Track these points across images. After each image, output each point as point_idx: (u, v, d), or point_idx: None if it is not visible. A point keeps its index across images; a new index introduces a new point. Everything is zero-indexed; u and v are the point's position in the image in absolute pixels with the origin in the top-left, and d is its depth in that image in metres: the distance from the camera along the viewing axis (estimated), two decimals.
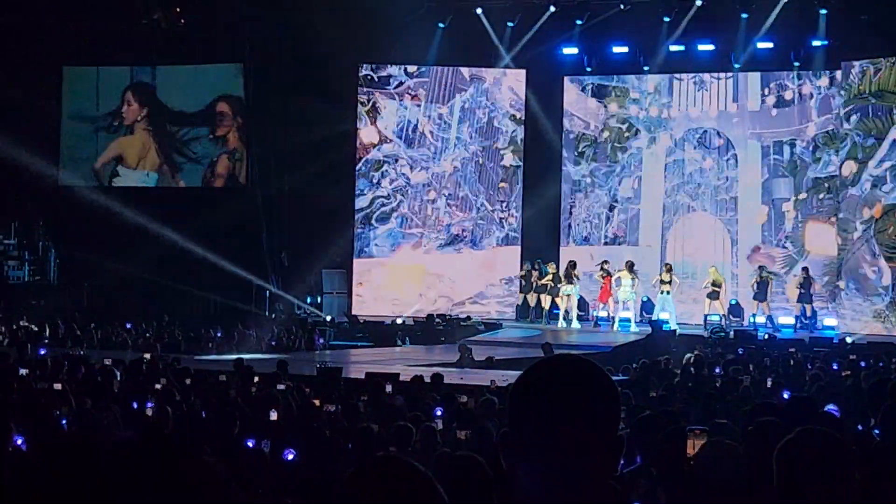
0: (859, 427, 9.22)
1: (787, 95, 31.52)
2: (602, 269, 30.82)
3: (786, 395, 8.91)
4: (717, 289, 29.98)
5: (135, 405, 12.89)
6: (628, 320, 29.90)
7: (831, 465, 3.95)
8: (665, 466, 6.32)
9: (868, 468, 5.79)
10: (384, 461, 2.72)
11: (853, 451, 4.17)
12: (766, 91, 31.67)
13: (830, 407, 9.64)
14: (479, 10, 32.44)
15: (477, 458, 5.55)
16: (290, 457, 9.31)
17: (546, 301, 31.39)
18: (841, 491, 3.94)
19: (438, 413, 12.83)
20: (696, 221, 32.35)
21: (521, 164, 33.70)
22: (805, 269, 30.09)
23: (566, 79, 33.61)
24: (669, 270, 30.20)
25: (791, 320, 29.84)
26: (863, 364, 19.49)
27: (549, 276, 31.04)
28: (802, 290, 29.83)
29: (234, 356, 21.52)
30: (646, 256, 32.25)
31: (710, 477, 5.65)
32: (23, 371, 16.45)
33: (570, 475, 2.67)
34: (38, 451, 8.72)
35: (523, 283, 32.05)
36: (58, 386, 14.17)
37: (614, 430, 2.74)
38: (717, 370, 18.76)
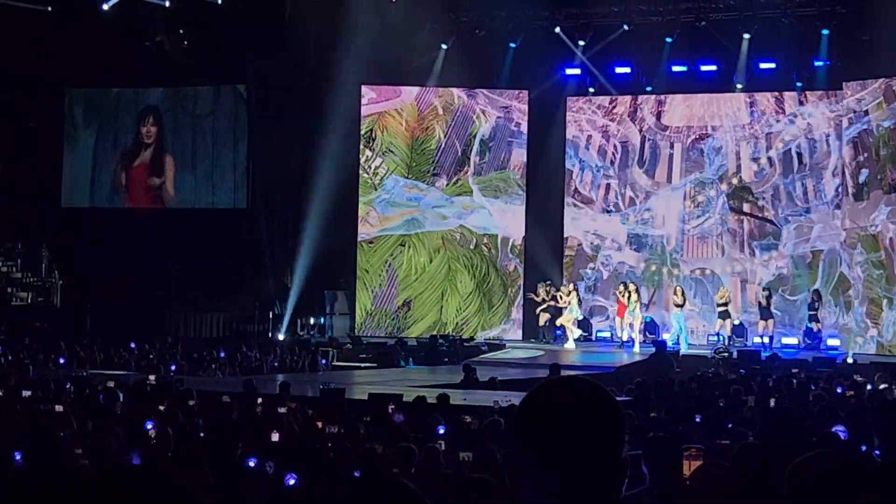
0: (863, 448, 9.19)
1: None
2: (622, 286, 30.67)
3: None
4: (726, 308, 29.97)
5: (137, 426, 12.88)
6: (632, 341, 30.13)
7: (841, 487, 3.95)
8: (663, 488, 6.31)
9: (869, 490, 5.78)
10: (380, 483, 2.73)
11: (863, 473, 4.18)
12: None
13: (838, 428, 9.57)
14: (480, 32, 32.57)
15: (490, 480, 5.55)
16: (292, 482, 9.29)
17: (546, 320, 31.52)
18: None
19: (441, 431, 12.81)
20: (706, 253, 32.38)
21: (523, 184, 33.68)
22: (816, 291, 30.05)
23: (569, 99, 33.67)
24: (683, 293, 30.21)
25: (795, 340, 29.83)
26: (869, 386, 19.48)
27: (561, 297, 31.08)
28: (811, 312, 29.80)
29: (238, 378, 21.54)
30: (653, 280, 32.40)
31: (706, 499, 5.64)
32: (26, 393, 16.45)
33: (574, 496, 2.67)
34: (39, 471, 8.73)
35: (544, 303, 31.83)
36: (59, 408, 14.15)
37: (619, 451, 2.74)
38: (713, 391, 18.71)
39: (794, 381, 20.34)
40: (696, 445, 6.96)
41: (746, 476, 5.71)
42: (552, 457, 2.67)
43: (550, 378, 2.87)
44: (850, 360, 25.42)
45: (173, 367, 26.51)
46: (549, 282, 31.81)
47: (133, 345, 28.80)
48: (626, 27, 31.54)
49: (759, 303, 30.16)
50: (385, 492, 2.69)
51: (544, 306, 31.65)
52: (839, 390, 18.19)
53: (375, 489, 2.71)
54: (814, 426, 11.08)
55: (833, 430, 9.33)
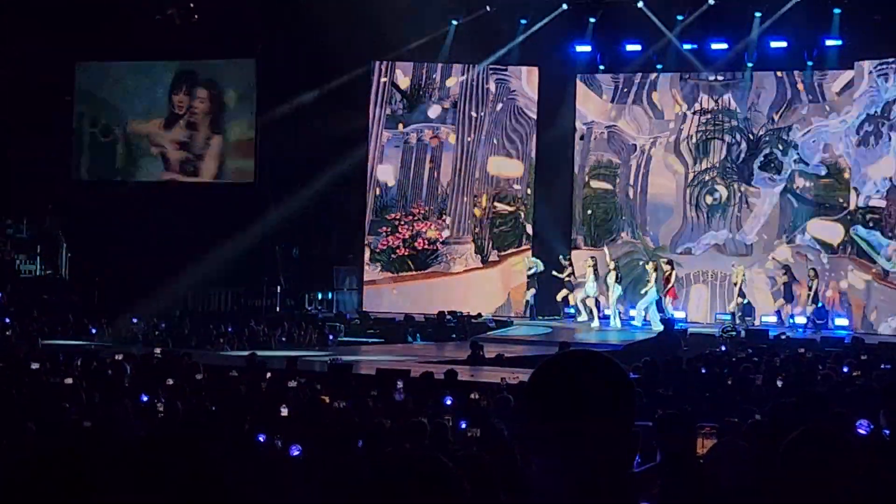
0: (871, 426, 9.17)
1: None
2: (666, 264, 30.60)
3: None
4: (742, 286, 29.87)
5: (145, 400, 12.92)
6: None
7: (834, 463, 3.94)
8: (676, 465, 6.30)
9: (876, 469, 5.77)
10: (418, 458, 2.71)
11: (858, 450, 4.15)
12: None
13: (861, 422, 9.35)
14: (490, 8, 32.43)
15: (483, 456, 5.54)
16: (296, 452, 9.33)
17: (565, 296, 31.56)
18: (844, 490, 3.93)
19: (448, 402, 12.85)
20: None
21: (532, 161, 33.63)
22: (813, 270, 29.96)
23: (578, 77, 33.58)
24: (657, 267, 30.20)
25: (803, 320, 29.72)
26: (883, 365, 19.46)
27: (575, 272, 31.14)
28: (810, 291, 29.67)
29: (245, 352, 21.57)
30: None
31: (721, 476, 5.63)
32: (34, 365, 16.50)
33: (584, 470, 2.65)
34: (48, 444, 8.74)
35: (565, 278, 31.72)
36: (68, 380, 14.20)
37: (629, 425, 2.72)
38: (721, 369, 18.70)
39: (802, 360, 20.37)
40: (710, 424, 6.94)
41: (757, 454, 5.70)
42: (561, 431, 2.66)
43: (559, 352, 2.85)
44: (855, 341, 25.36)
45: (182, 337, 26.58)
46: (568, 256, 31.77)
47: (140, 319, 28.84)
48: (639, 4, 31.35)
49: (782, 285, 29.99)
50: (420, 467, 2.67)
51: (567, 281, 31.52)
52: (845, 370, 18.17)
53: (410, 464, 2.68)
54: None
55: (857, 424, 9.19)
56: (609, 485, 2.67)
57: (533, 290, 31.95)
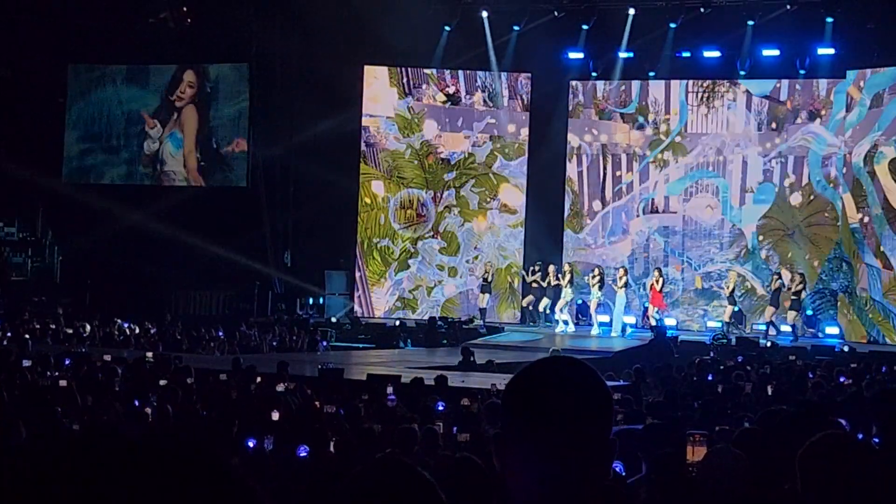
0: (860, 436, 9.19)
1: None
2: (657, 273, 30.57)
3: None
4: (732, 294, 29.85)
5: (136, 403, 12.90)
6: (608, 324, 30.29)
7: (855, 468, 3.95)
8: (665, 474, 6.30)
9: (869, 477, 5.78)
10: (386, 463, 2.70)
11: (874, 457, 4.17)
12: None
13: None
14: (484, 14, 32.44)
15: (475, 459, 5.54)
16: (303, 454, 9.34)
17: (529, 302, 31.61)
18: (864, 495, 3.94)
19: (440, 408, 12.84)
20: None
21: (525, 168, 33.67)
22: (800, 275, 29.86)
23: (571, 83, 33.63)
24: (626, 272, 30.27)
25: (789, 328, 29.65)
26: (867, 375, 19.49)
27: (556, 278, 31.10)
28: (794, 298, 29.55)
29: (236, 356, 21.56)
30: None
31: (715, 485, 5.62)
32: (26, 363, 16.48)
33: (560, 477, 2.65)
34: (40, 447, 8.72)
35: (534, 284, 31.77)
36: (63, 383, 14.18)
37: (606, 432, 2.72)
38: (711, 376, 18.71)
39: (793, 368, 20.38)
40: (700, 431, 6.93)
41: (749, 462, 5.70)
42: (538, 436, 2.65)
43: (538, 358, 2.85)
44: (845, 349, 25.38)
45: (173, 340, 26.54)
46: (538, 262, 31.74)
47: (132, 322, 28.80)
48: (630, 12, 31.40)
49: (769, 290, 29.94)
50: (394, 479, 2.64)
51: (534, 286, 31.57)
52: (842, 379, 18.19)
53: (383, 475, 2.66)
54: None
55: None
56: (585, 491, 2.67)
57: (532, 298, 31.92)
